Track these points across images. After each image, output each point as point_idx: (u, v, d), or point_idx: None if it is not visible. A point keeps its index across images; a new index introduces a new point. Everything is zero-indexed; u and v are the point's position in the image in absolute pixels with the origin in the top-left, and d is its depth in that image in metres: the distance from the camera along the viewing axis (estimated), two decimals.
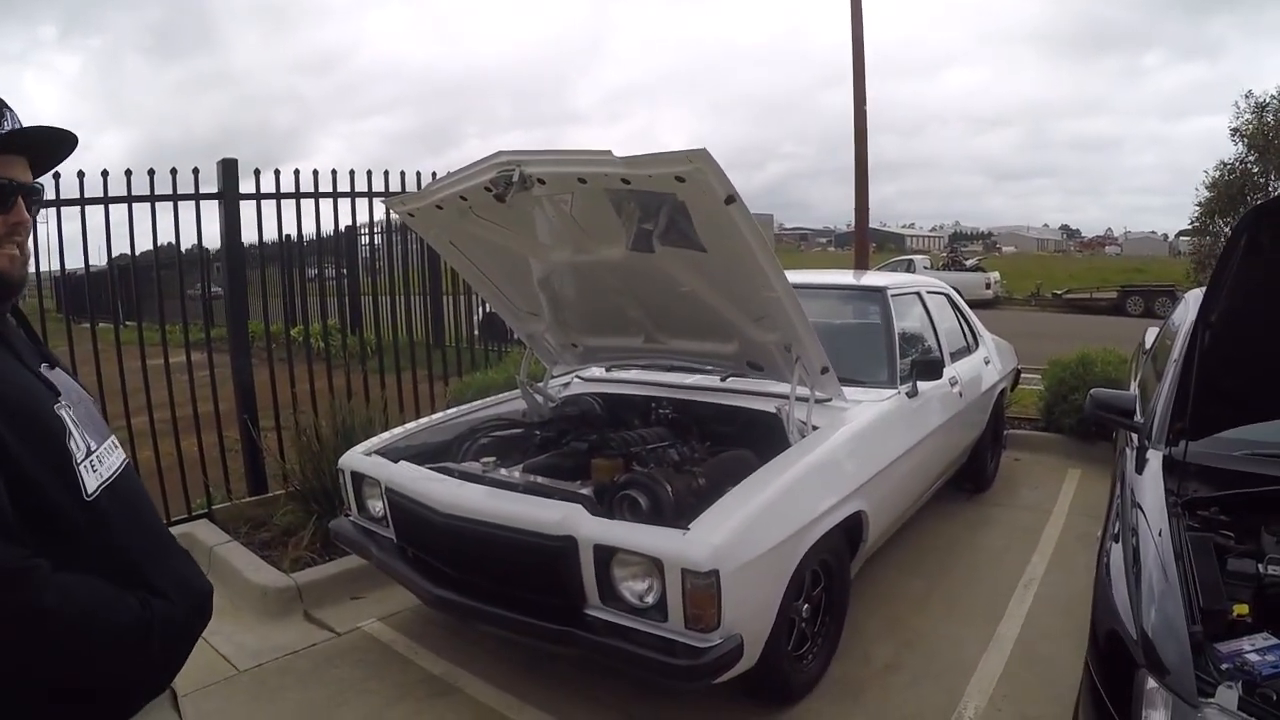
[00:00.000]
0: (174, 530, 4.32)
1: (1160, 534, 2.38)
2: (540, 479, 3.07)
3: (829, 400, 3.45)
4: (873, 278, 5.21)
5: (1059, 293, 23.22)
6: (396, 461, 3.30)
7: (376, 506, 3.34)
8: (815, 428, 3.21)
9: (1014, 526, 4.77)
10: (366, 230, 6.96)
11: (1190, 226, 17.00)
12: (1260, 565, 2.30)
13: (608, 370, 4.37)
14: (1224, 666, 1.95)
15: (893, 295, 4.44)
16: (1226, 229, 15.69)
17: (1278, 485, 2.54)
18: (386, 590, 3.81)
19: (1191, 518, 2.48)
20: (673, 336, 3.61)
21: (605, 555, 2.52)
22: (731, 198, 2.53)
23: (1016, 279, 28.41)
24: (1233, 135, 15.58)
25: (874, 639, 3.43)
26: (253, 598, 3.70)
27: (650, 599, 2.47)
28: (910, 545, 4.36)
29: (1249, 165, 15.38)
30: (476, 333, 6.76)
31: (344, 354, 5.17)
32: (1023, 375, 6.46)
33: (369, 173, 5.23)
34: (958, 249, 40.81)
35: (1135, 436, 3.16)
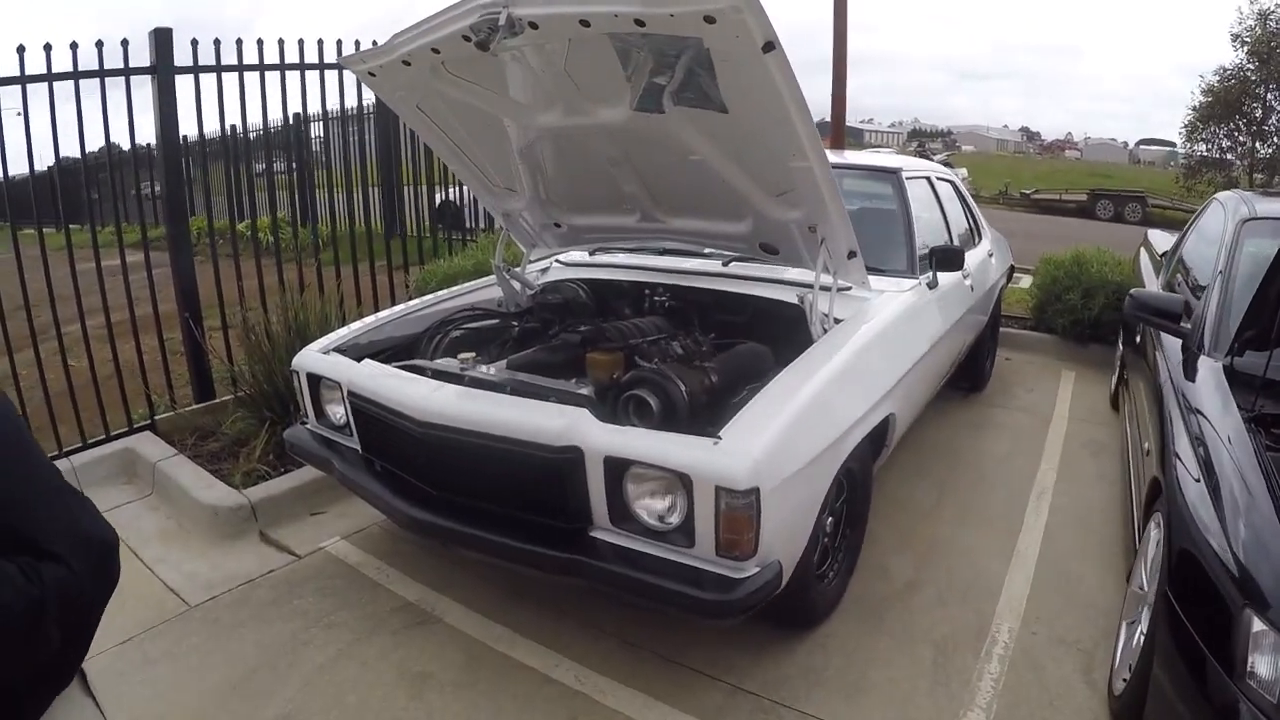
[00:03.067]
0: (114, 446, 3.93)
1: (1243, 455, 2.08)
2: (530, 378, 2.66)
3: (848, 289, 3.06)
4: (884, 158, 4.78)
5: (1027, 192, 22.92)
6: (359, 360, 2.86)
7: (338, 413, 2.91)
8: (838, 320, 2.83)
9: (1016, 430, 4.55)
10: (320, 116, 6.28)
11: (1182, 130, 16.70)
12: None
13: (591, 254, 3.91)
14: None
15: (907, 177, 4.03)
16: (1223, 137, 15.44)
17: None
18: (350, 503, 3.41)
19: (1266, 436, 2.19)
20: (673, 214, 3.16)
21: (618, 469, 2.14)
22: (771, 44, 2.05)
23: (982, 176, 28.07)
24: (1233, 41, 15.17)
25: (889, 551, 3.18)
26: (202, 519, 3.27)
27: (673, 520, 2.11)
28: (913, 448, 4.10)
29: (1248, 73, 15.01)
30: (430, 221, 6.22)
31: (295, 247, 4.57)
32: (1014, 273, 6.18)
33: (320, 42, 4.54)
34: (925, 144, 40.12)
35: (1180, 342, 2.86)
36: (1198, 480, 2.10)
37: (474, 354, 2.85)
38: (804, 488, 2.22)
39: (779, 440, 2.09)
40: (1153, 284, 4.03)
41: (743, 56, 2.11)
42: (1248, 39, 14.81)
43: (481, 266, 4.69)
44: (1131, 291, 3.04)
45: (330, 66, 4.61)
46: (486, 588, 2.88)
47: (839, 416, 2.43)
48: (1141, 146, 42.88)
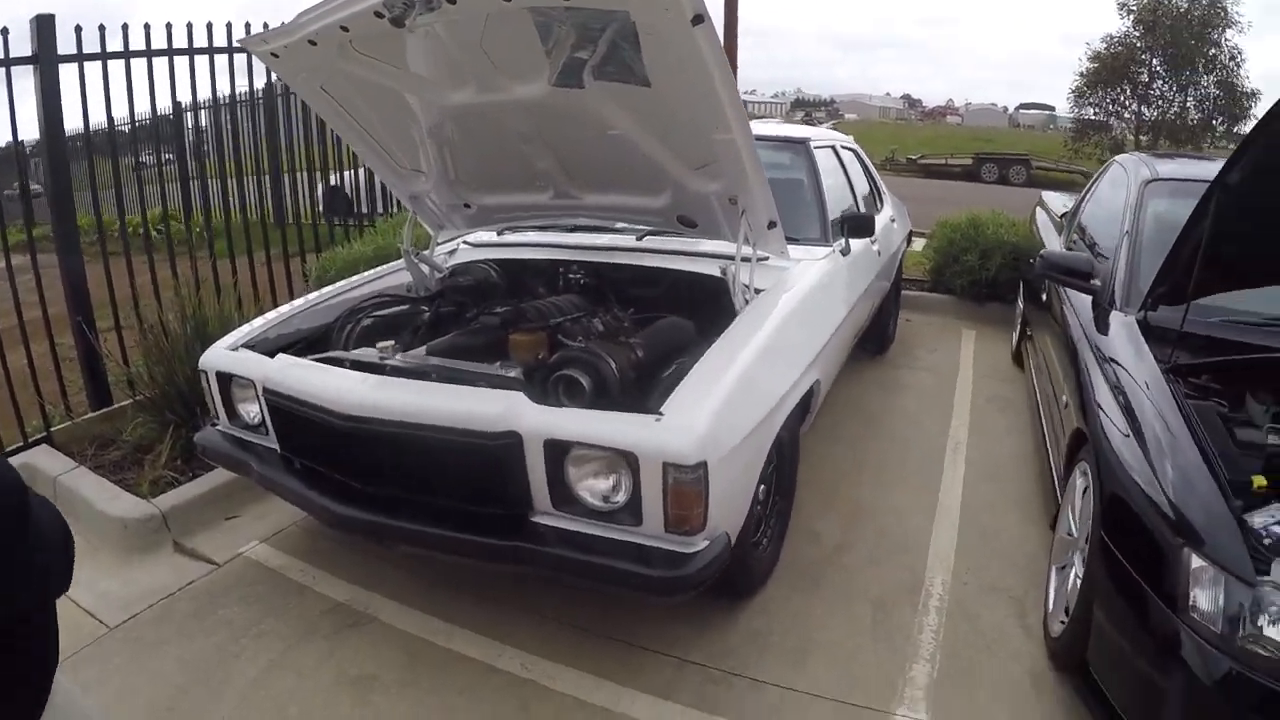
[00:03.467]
0: (11, 462, 3.54)
1: (1164, 403, 2.20)
2: (454, 363, 2.56)
3: (766, 259, 3.08)
4: (791, 129, 4.84)
5: (913, 158, 23.73)
6: (272, 355, 2.69)
7: (251, 411, 2.74)
8: (758, 290, 2.84)
9: (923, 389, 4.71)
10: (208, 103, 5.88)
11: (1070, 95, 17.46)
12: (1267, 435, 2.19)
13: (499, 234, 3.80)
14: (1265, 542, 1.81)
15: (815, 147, 4.09)
16: (1109, 101, 16.22)
17: (1257, 353, 2.43)
18: (265, 504, 3.25)
19: (1183, 384, 2.33)
20: (588, 190, 3.09)
21: (558, 452, 2.09)
22: (700, 16, 2.02)
23: (866, 143, 28.83)
24: (1120, 10, 15.95)
25: (815, 515, 3.24)
26: (111, 533, 3.02)
27: (619, 499, 2.08)
28: (828, 412, 4.18)
29: (1134, 41, 15.81)
30: (320, 208, 5.94)
31: (189, 239, 4.23)
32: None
33: (209, 26, 4.24)
34: (811, 114, 40.90)
35: (1090, 299, 3.01)
36: (1125, 431, 2.21)
37: (392, 342, 2.73)
38: (745, 458, 2.23)
39: (721, 413, 2.08)
40: (1053, 243, 4.24)
41: (671, 29, 2.07)
42: (1134, 8, 15.63)
43: (383, 252, 4.50)
44: (1041, 252, 3.18)
45: (220, 50, 4.34)
46: (417, 581, 2.78)
47: (773, 386, 2.45)
48: (1021, 111, 44.72)
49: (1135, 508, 2.02)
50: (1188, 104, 15.55)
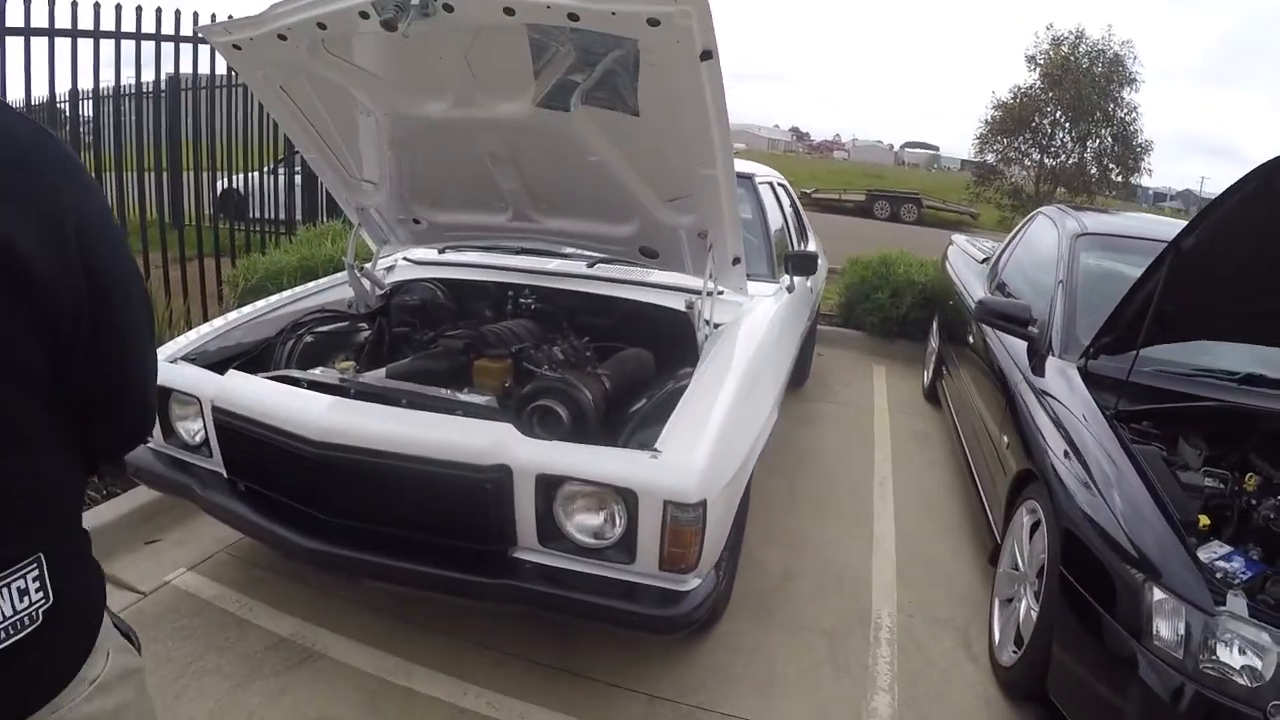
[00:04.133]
0: None
1: (1114, 448, 2.38)
2: (425, 389, 2.46)
3: (720, 294, 3.13)
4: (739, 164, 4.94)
5: (808, 191, 24.57)
6: (219, 370, 2.52)
7: (192, 429, 2.54)
8: (717, 325, 2.88)
9: (844, 423, 4.88)
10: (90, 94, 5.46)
11: (974, 141, 18.30)
12: (1203, 478, 2.40)
13: (441, 251, 3.66)
14: (1218, 575, 1.98)
15: (759, 182, 4.20)
16: (1010, 149, 17.16)
17: (1188, 401, 2.65)
18: (188, 524, 3.02)
19: (1126, 430, 2.52)
20: (551, 214, 3.05)
21: (550, 486, 2.04)
22: (709, 52, 2.04)
23: None
24: (1027, 62, 16.93)
25: (758, 546, 3.28)
26: None
27: (611, 536, 2.05)
28: None
29: (1038, 92, 16.82)
30: (212, 210, 5.61)
31: None
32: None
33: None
34: None
35: (1024, 344, 3.20)
36: (1079, 474, 2.37)
37: (353, 363, 2.61)
38: (730, 495, 2.23)
39: (715, 451, 2.09)
40: (976, 288, 4.45)
41: (676, 62, 2.07)
42: (1041, 62, 16.68)
43: (308, 262, 4.29)
44: (980, 298, 3.37)
45: (106, 35, 4.03)
46: (366, 614, 2.64)
47: (752, 423, 2.48)
48: (906, 149, 47.06)
49: (1095, 546, 2.16)
50: (1086, 154, 16.70)
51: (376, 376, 2.66)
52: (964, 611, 2.97)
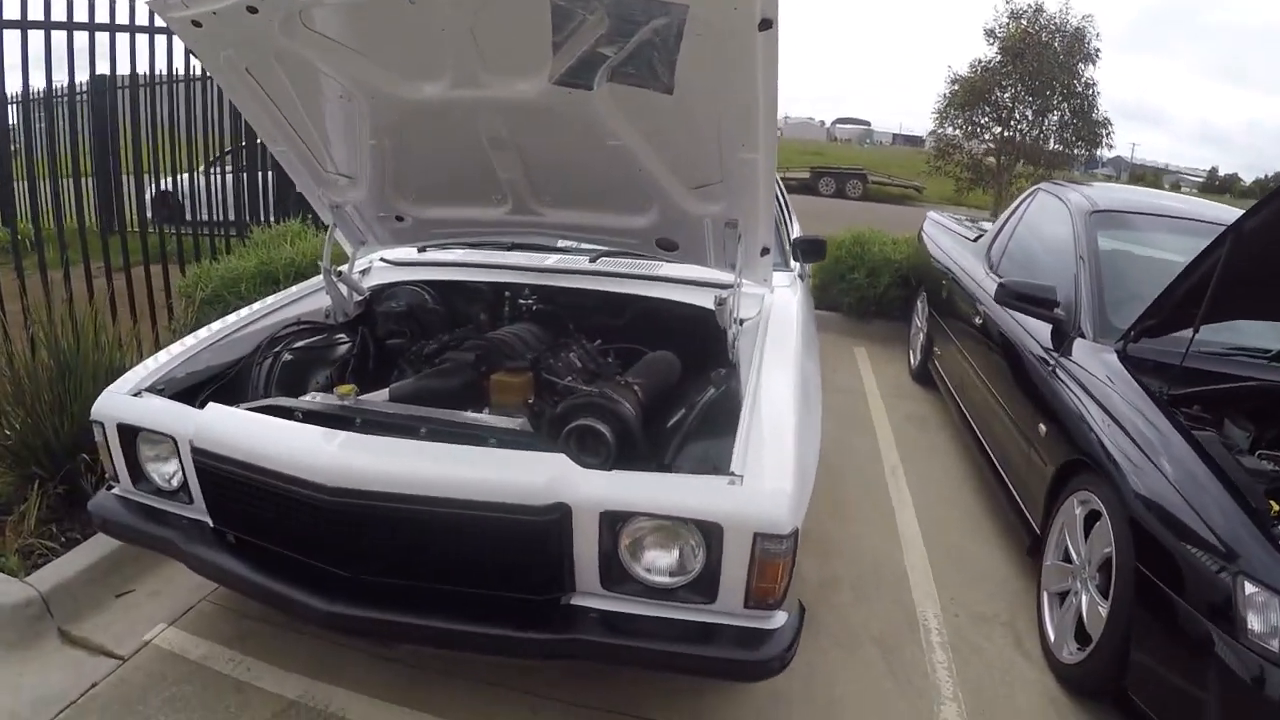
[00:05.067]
0: None
1: (1176, 437, 2.27)
2: (446, 413, 2.18)
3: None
4: None
5: None
6: (194, 401, 2.20)
7: (166, 473, 2.22)
8: (743, 320, 2.68)
9: (838, 409, 4.70)
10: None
11: (933, 115, 18.21)
12: (1261, 461, 2.31)
13: (421, 250, 3.34)
14: None
15: None
16: (969, 123, 17.13)
17: (1232, 382, 2.57)
18: (162, 571, 2.67)
19: (1185, 416, 2.42)
20: (555, 206, 2.77)
21: (614, 523, 1.81)
22: (769, 21, 1.80)
23: None
24: (986, 36, 16.92)
25: None
26: None
27: (688, 575, 1.83)
28: None
29: (997, 66, 16.84)
30: (150, 215, 5.15)
31: (13, 245, 3.44)
32: None
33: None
34: None
35: (1049, 327, 3.09)
36: (1146, 464, 2.25)
37: (353, 386, 2.32)
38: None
39: (799, 471, 1.89)
40: (975, 268, 4.33)
41: (730, 32, 1.83)
42: (1000, 35, 16.70)
43: (266, 268, 3.91)
44: (1003, 281, 3.24)
45: (34, 25, 3.59)
46: (379, 665, 2.35)
47: (815, 431, 2.29)
48: (838, 125, 47.19)
49: (1171, 539, 2.07)
50: (1045, 129, 16.83)
51: (379, 400, 2.37)
52: (1007, 606, 2.85)
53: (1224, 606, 1.89)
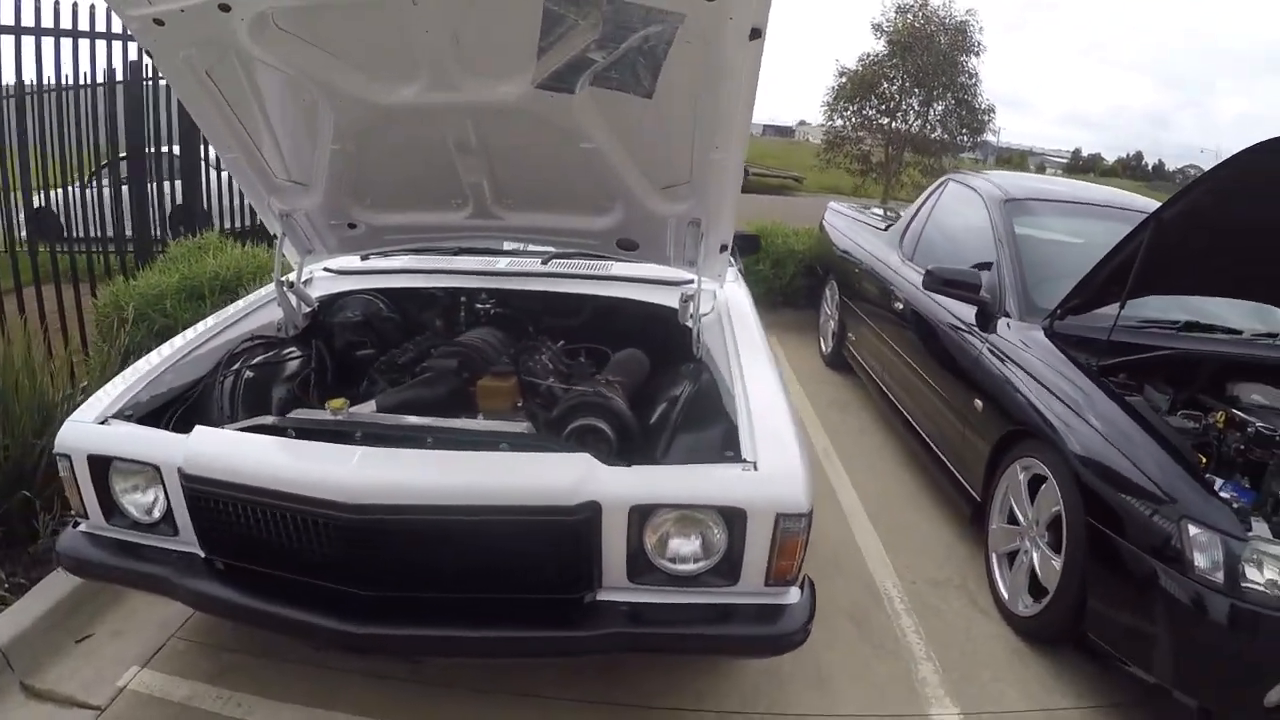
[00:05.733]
0: None
1: (1111, 402, 2.55)
2: (447, 422, 2.21)
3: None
4: None
5: None
6: (163, 423, 2.12)
7: (143, 503, 2.09)
8: (703, 314, 2.79)
9: None
10: None
11: (822, 108, 18.69)
12: (1183, 420, 2.62)
13: (364, 258, 3.27)
14: (1236, 507, 2.18)
15: None
16: (858, 116, 17.69)
17: (1149, 352, 2.88)
18: (119, 609, 2.55)
19: (1114, 383, 2.71)
20: (516, 209, 2.77)
21: (642, 517, 1.87)
22: (758, 31, 1.91)
23: None
24: (874, 30, 17.51)
25: None
26: None
27: (710, 559, 1.91)
28: None
29: (884, 60, 17.45)
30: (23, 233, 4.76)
31: None
32: None
33: None
34: None
35: (974, 309, 3.35)
36: (1088, 429, 2.52)
37: (345, 400, 2.27)
38: None
39: (802, 452, 2.00)
40: (888, 255, 4.63)
41: (720, 41, 1.91)
42: (887, 29, 17.38)
43: (191, 282, 3.69)
44: (930, 268, 3.47)
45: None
46: (378, 684, 2.30)
47: (793, 412, 2.42)
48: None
49: (1117, 494, 2.34)
50: (931, 119, 17.68)
51: (363, 410, 2.33)
52: (957, 570, 3.10)
53: (1171, 548, 2.16)
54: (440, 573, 1.89)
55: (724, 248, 2.74)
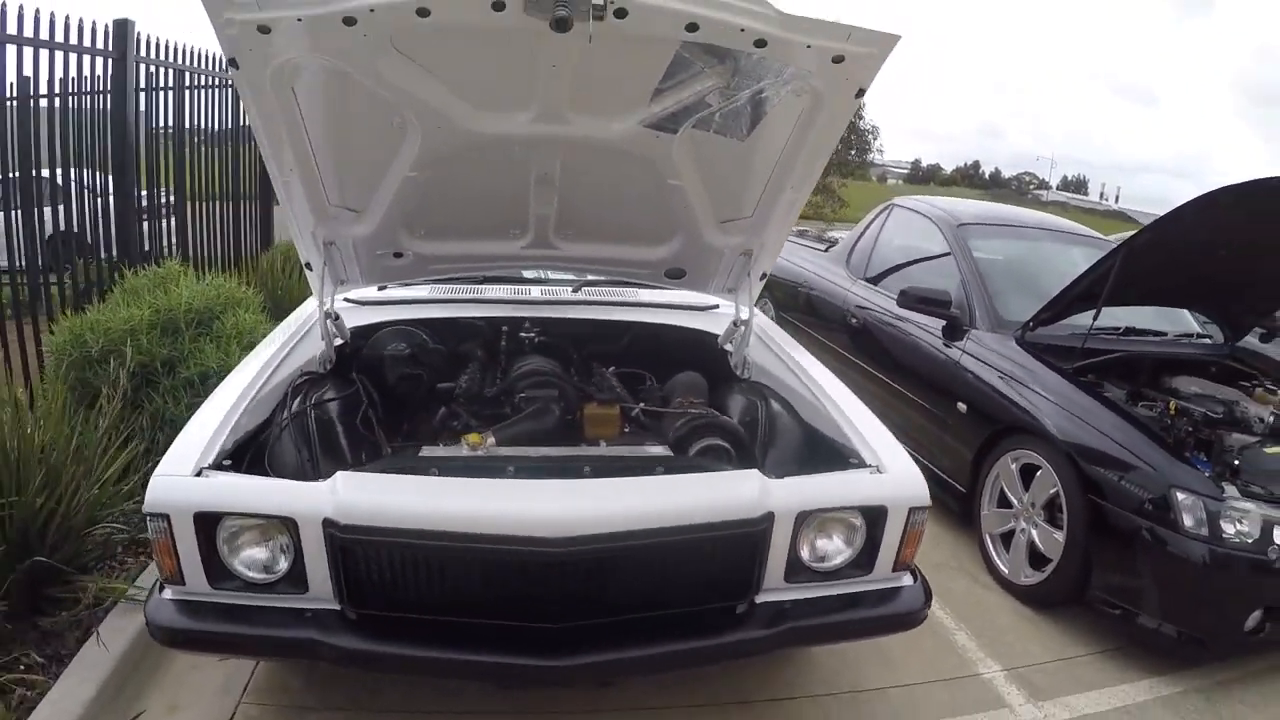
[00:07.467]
0: None
1: (1090, 399, 3.03)
2: (604, 451, 2.38)
3: (715, 307, 3.21)
4: None
5: None
6: (238, 467, 2.05)
7: (260, 560, 1.93)
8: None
9: None
10: None
11: None
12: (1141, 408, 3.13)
13: (380, 289, 3.14)
14: (1208, 475, 2.71)
15: None
16: None
17: (1105, 355, 3.37)
18: (160, 680, 2.36)
19: (1089, 382, 3.19)
20: (574, 240, 2.81)
21: (800, 523, 2.04)
22: (863, 90, 2.11)
23: None
24: None
25: None
26: None
27: (848, 555, 2.11)
28: None
29: None
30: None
31: None
32: None
33: None
34: None
35: (942, 324, 3.76)
36: (1077, 423, 2.98)
37: (485, 434, 2.29)
38: None
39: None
40: (835, 278, 4.94)
41: (833, 96, 2.11)
42: None
43: (165, 316, 3.34)
44: (904, 288, 3.82)
45: None
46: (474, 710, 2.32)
47: None
48: None
49: (1113, 474, 2.81)
50: None
51: (488, 444, 2.35)
52: (952, 555, 3.50)
53: (1162, 513, 2.64)
54: (626, 594, 1.95)
55: (763, 276, 2.90)
